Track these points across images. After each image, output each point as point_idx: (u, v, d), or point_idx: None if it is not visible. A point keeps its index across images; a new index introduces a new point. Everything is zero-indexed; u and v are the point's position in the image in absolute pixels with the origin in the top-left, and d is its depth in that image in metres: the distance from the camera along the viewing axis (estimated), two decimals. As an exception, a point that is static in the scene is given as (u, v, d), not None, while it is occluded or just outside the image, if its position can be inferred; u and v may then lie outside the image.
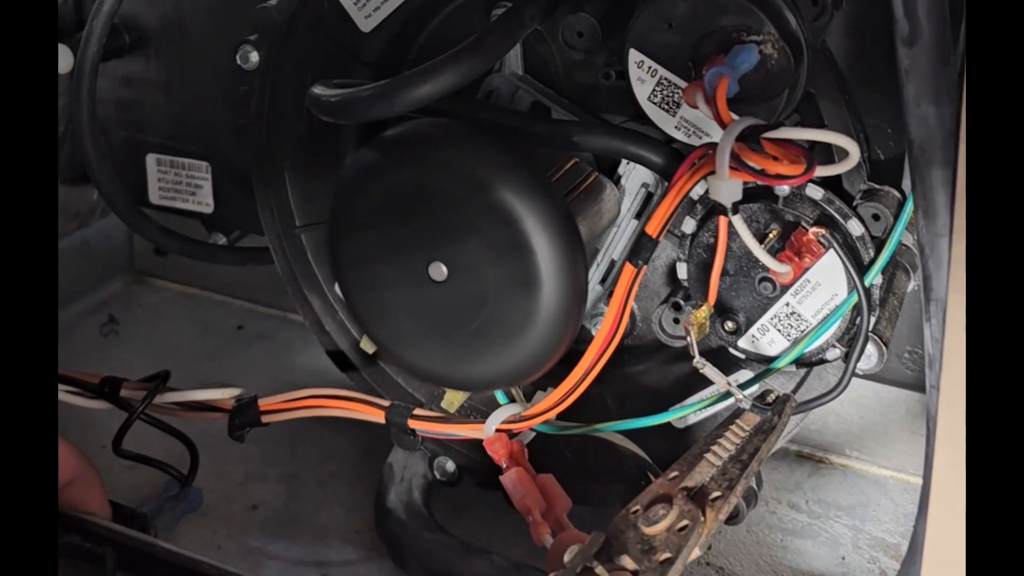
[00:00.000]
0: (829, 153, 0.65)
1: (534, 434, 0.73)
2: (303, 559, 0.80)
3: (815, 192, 0.65)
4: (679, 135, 0.66)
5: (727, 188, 0.61)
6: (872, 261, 0.65)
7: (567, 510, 0.69)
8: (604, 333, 0.66)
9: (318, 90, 0.66)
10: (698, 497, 0.58)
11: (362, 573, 0.80)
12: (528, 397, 0.75)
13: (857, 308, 0.65)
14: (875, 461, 0.90)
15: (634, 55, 0.65)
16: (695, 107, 0.62)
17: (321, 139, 0.78)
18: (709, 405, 0.71)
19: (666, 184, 0.64)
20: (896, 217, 0.65)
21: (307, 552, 0.81)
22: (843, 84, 0.65)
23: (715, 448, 0.62)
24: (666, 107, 0.65)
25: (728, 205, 0.62)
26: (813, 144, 0.64)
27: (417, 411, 0.74)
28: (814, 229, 0.65)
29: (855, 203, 0.66)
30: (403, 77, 0.63)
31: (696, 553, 0.56)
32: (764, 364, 0.70)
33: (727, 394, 0.69)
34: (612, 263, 0.73)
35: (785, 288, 0.67)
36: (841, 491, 0.88)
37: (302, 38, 0.75)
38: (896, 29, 0.53)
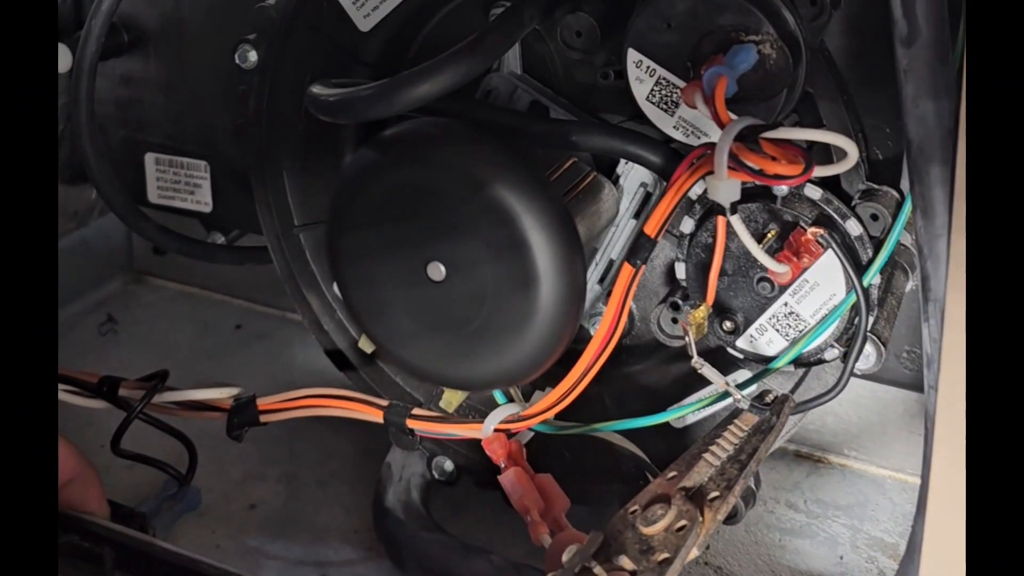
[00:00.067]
0: (827, 153, 0.65)
1: (532, 434, 0.73)
2: (302, 559, 0.80)
3: (813, 192, 0.65)
4: (677, 135, 0.66)
5: (725, 188, 0.61)
6: (870, 261, 0.65)
7: (565, 510, 0.69)
8: (602, 333, 0.66)
9: (317, 89, 0.66)
10: (696, 497, 0.58)
11: (361, 573, 0.80)
12: (526, 397, 0.75)
13: (855, 308, 0.65)
14: (873, 461, 0.90)
15: (632, 55, 0.65)
16: (693, 107, 0.62)
17: (320, 139, 0.77)
18: (707, 405, 0.71)
19: (664, 184, 0.64)
20: (894, 217, 0.65)
21: (306, 552, 0.81)
22: (841, 84, 0.65)
23: (713, 448, 0.62)
24: (664, 107, 0.65)
25: (726, 205, 0.62)
26: (811, 144, 0.64)
27: (415, 411, 0.74)
28: (812, 229, 0.65)
29: (853, 203, 0.66)
30: (402, 77, 0.63)
31: (694, 553, 0.56)
32: (762, 364, 0.70)
33: (725, 394, 0.69)
34: (610, 263, 0.73)
35: (783, 288, 0.67)
36: (839, 491, 0.88)
37: (301, 37, 0.75)
38: (894, 29, 0.53)
